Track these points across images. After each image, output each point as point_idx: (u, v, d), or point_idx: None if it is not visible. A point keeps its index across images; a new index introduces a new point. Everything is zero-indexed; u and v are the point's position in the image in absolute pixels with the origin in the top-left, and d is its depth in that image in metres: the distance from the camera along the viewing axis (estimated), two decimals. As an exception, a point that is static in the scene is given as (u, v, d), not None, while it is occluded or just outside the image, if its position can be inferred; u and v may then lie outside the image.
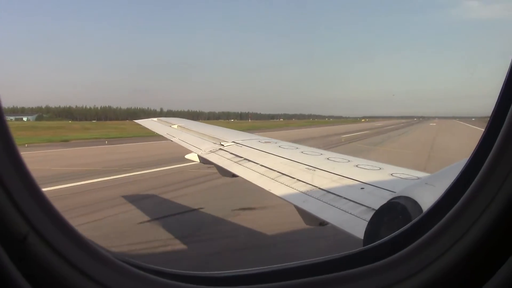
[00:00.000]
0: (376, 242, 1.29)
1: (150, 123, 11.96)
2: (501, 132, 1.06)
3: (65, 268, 0.97)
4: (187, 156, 7.38)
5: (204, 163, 7.22)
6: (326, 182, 4.43)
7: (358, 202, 3.71)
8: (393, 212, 2.67)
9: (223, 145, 7.17)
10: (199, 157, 7.11)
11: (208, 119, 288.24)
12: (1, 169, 0.95)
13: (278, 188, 4.69)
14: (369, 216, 3.08)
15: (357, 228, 3.19)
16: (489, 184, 1.05)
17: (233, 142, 7.28)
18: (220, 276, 1.22)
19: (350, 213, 3.59)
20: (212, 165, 6.81)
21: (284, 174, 5.00)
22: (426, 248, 1.11)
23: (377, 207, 2.98)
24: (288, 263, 1.22)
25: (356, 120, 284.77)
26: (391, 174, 4.33)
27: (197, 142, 7.98)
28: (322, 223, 4.08)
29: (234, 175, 5.96)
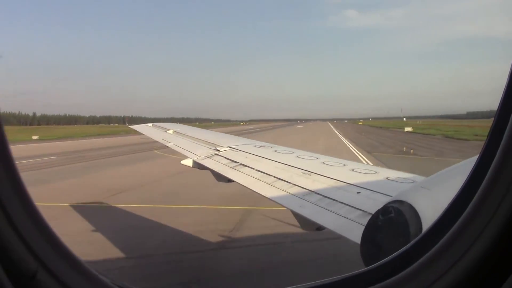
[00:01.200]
0: (379, 262, 1.26)
1: (145, 129, 11.91)
2: (502, 143, 1.04)
3: None
4: (182, 162, 7.35)
5: (199, 168, 7.19)
6: (322, 186, 4.43)
7: (354, 206, 3.71)
8: (390, 216, 2.67)
9: (218, 150, 7.15)
10: (194, 162, 7.08)
11: (88, 123, 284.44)
12: (11, 208, 0.95)
13: (275, 193, 4.68)
14: (365, 220, 3.07)
15: (354, 232, 3.19)
16: (490, 199, 1.02)
17: (228, 147, 7.26)
18: None
19: (347, 218, 3.58)
20: (208, 170, 6.80)
21: (280, 179, 4.99)
22: (431, 266, 1.09)
23: (373, 211, 2.98)
24: (297, 286, 1.20)
25: (237, 123, 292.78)
26: (387, 178, 4.33)
27: (193, 148, 7.95)
28: (319, 227, 4.07)
29: (230, 180, 5.95)
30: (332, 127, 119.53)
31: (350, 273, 1.23)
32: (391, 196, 3.18)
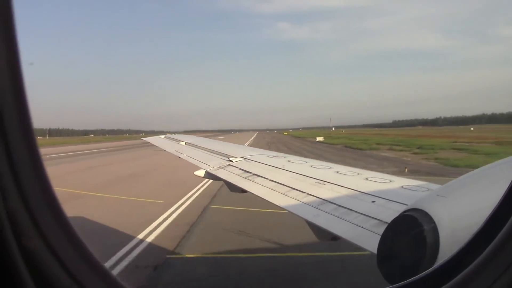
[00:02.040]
0: (408, 280, 1.22)
1: (158, 140, 12.06)
2: None
3: None
4: (196, 173, 7.41)
5: (213, 179, 7.23)
6: (336, 196, 4.42)
7: (369, 215, 3.69)
8: (406, 225, 2.66)
9: (231, 161, 7.19)
10: (208, 173, 7.12)
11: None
12: (43, 222, 0.95)
13: (289, 203, 4.68)
14: (381, 229, 3.06)
15: (370, 242, 3.17)
16: None
17: (241, 157, 7.30)
18: None
19: (362, 227, 3.56)
20: (222, 181, 6.84)
21: (294, 188, 4.99)
22: (471, 282, 1.05)
23: (389, 220, 2.96)
24: None
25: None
26: (402, 187, 4.30)
27: (206, 159, 8.01)
28: (334, 237, 4.05)
29: (243, 191, 5.97)
30: (251, 138, 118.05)
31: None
32: (406, 204, 3.16)
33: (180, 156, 9.23)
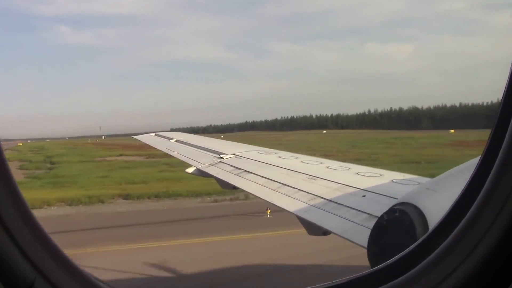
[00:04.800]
0: (386, 262, 1.26)
1: (149, 138, 11.97)
2: (503, 146, 1.04)
3: None
4: (187, 170, 7.37)
5: (204, 176, 7.20)
6: (327, 191, 4.43)
7: (360, 210, 3.70)
8: (396, 219, 2.67)
9: (222, 158, 7.17)
10: (199, 170, 7.09)
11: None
12: (6, 216, 0.94)
13: (280, 199, 4.68)
14: (371, 223, 3.07)
15: (360, 236, 3.19)
16: (494, 198, 1.01)
17: (232, 154, 7.28)
18: None
19: (353, 221, 3.58)
20: (212, 178, 6.81)
21: (285, 184, 5.00)
22: (434, 268, 1.08)
23: (379, 214, 2.98)
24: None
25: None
26: (392, 181, 4.33)
27: (197, 156, 7.97)
28: (325, 232, 4.07)
29: (234, 187, 5.95)
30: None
31: (357, 275, 1.23)
32: (396, 198, 3.18)
33: (171, 154, 9.18)
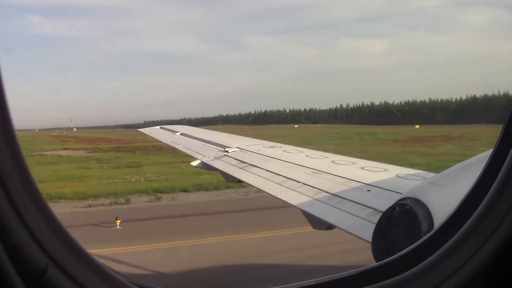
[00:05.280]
0: (391, 257, 1.26)
1: (154, 131, 12.00)
2: None
3: None
4: (192, 163, 7.39)
5: (209, 170, 7.22)
6: (332, 185, 4.43)
7: (365, 204, 3.70)
8: (401, 214, 2.67)
9: (227, 151, 7.18)
10: (204, 163, 7.11)
11: None
12: (20, 204, 0.95)
13: (285, 193, 4.69)
14: (376, 218, 3.07)
15: (365, 230, 3.18)
16: (504, 196, 1.01)
17: (237, 148, 7.28)
18: None
19: (357, 216, 3.58)
20: (217, 171, 6.83)
21: (290, 178, 5.00)
22: (443, 262, 1.08)
23: (384, 209, 2.98)
24: (307, 281, 1.19)
25: None
26: (397, 175, 4.32)
27: (202, 149, 7.99)
28: (330, 226, 4.07)
29: (239, 181, 5.96)
30: None
31: (360, 269, 1.22)
32: (401, 193, 3.17)
33: (176, 147, 9.21)
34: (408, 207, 2.63)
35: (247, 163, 6.18)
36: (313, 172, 5.03)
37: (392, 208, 2.78)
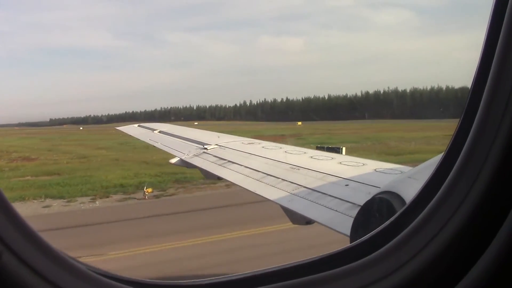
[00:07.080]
0: (357, 241, 1.30)
1: (132, 130, 11.81)
2: (473, 128, 1.08)
3: (40, 285, 0.95)
4: (171, 161, 7.30)
5: (188, 167, 7.14)
6: (311, 180, 4.43)
7: (343, 199, 3.72)
8: (378, 208, 2.68)
9: (206, 148, 7.11)
10: (183, 161, 7.03)
11: None
12: None
13: (264, 189, 4.67)
14: (354, 212, 3.08)
15: (344, 225, 3.20)
16: (461, 183, 1.07)
17: (216, 145, 7.23)
18: (195, 284, 1.20)
19: (336, 211, 3.59)
20: (197, 168, 6.76)
21: (269, 174, 4.98)
22: (403, 246, 1.12)
23: (362, 203, 2.99)
24: (271, 267, 1.20)
25: None
26: (375, 170, 4.35)
27: (181, 147, 7.90)
28: (309, 221, 4.07)
29: (219, 178, 5.92)
30: None
31: (332, 252, 1.25)
32: (379, 187, 3.19)
33: (155, 145, 9.09)
34: (385, 200, 2.65)
35: (226, 159, 6.14)
36: (292, 168, 5.03)
37: (370, 202, 2.80)
